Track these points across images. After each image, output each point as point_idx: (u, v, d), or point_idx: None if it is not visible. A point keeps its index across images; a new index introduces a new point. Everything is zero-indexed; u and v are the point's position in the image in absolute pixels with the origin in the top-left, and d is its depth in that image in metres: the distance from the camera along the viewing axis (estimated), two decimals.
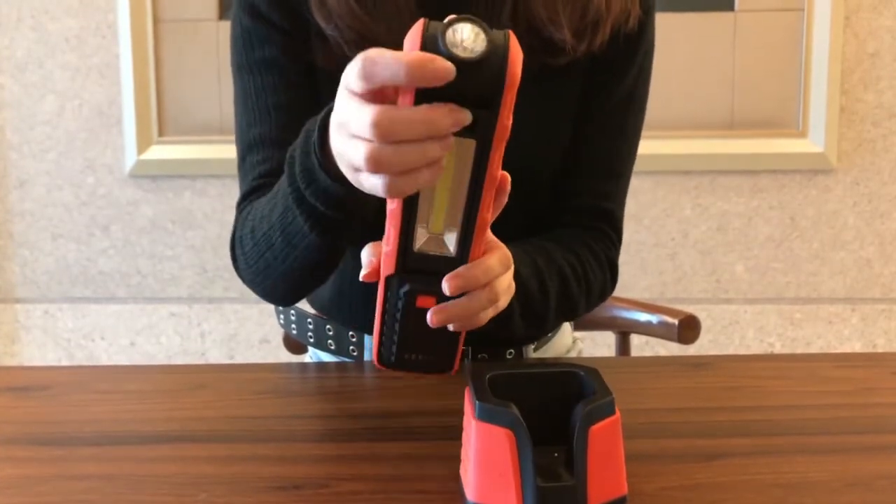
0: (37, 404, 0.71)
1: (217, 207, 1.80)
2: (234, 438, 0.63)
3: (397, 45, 0.77)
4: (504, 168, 0.53)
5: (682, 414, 0.68)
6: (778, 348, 1.80)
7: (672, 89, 1.70)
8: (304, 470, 0.58)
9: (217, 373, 0.81)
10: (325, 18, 0.77)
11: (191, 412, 0.69)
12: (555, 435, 0.52)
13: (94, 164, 1.80)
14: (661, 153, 1.71)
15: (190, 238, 1.81)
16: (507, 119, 0.49)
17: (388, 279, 0.56)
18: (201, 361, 1.83)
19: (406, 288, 0.56)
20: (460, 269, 0.55)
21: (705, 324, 1.70)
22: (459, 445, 0.54)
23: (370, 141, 0.48)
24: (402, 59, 0.47)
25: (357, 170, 0.51)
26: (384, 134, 0.48)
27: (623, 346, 1.21)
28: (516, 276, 0.64)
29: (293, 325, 0.93)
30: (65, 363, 1.85)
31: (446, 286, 0.55)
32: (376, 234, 0.57)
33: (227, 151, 1.73)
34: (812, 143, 1.71)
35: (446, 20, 0.48)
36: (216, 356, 1.85)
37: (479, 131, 0.49)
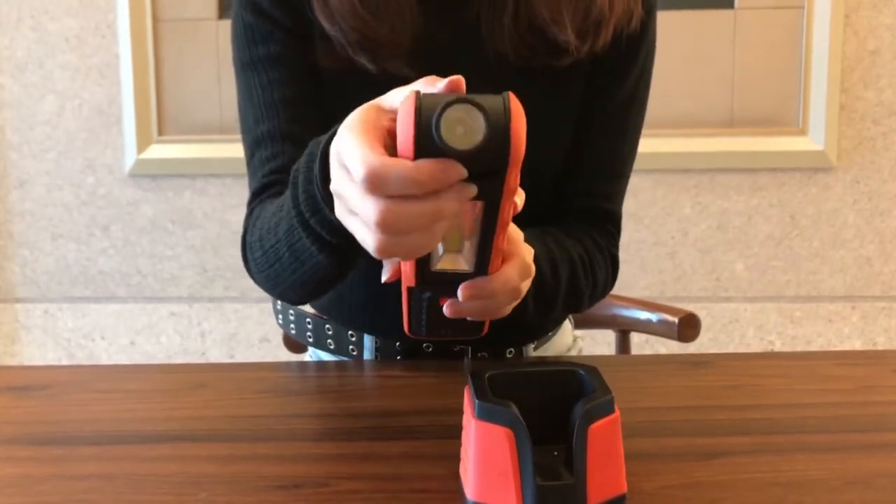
0: (37, 404, 0.71)
1: (217, 207, 1.80)
2: (235, 438, 0.63)
3: (399, 46, 0.77)
4: None
5: (682, 412, 0.68)
6: (778, 346, 1.80)
7: (672, 87, 1.70)
8: (303, 469, 0.58)
9: (217, 372, 0.81)
10: (327, 19, 0.76)
11: (191, 411, 0.69)
12: (554, 434, 0.52)
13: (94, 164, 1.80)
14: (660, 151, 1.71)
15: (190, 238, 1.81)
16: (514, 181, 0.48)
17: (409, 289, 0.57)
18: (201, 361, 1.83)
19: (428, 294, 0.57)
20: (479, 282, 0.55)
21: (705, 322, 1.70)
22: (459, 444, 0.54)
23: (375, 232, 0.47)
24: (413, 175, 0.44)
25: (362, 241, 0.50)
26: (390, 228, 0.46)
27: (623, 345, 1.21)
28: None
29: (292, 325, 0.93)
30: (65, 363, 1.85)
31: (461, 297, 0.56)
32: None
33: (227, 151, 1.76)
34: (812, 141, 1.71)
35: (440, 103, 0.44)
36: (216, 355, 1.85)
37: (486, 196, 0.48)
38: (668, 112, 1.71)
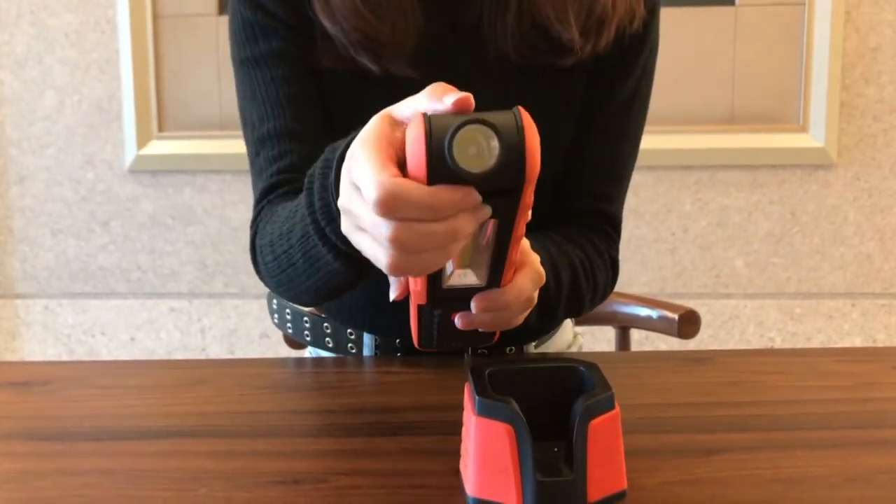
0: (37, 399, 0.71)
1: (217, 203, 1.80)
2: (234, 433, 0.63)
3: (401, 46, 0.77)
4: None
5: (682, 409, 0.68)
6: (778, 343, 1.80)
7: (672, 84, 1.70)
8: (303, 465, 0.58)
9: (217, 368, 0.81)
10: (328, 18, 0.75)
11: (191, 407, 0.69)
12: (555, 430, 0.52)
13: (94, 160, 1.80)
14: (661, 148, 1.71)
15: (190, 234, 1.81)
16: (529, 197, 0.47)
17: (419, 306, 0.56)
18: (201, 357, 1.83)
19: (439, 311, 0.56)
20: (492, 294, 0.55)
21: (705, 319, 1.70)
22: (459, 441, 0.54)
23: (388, 249, 0.46)
24: (429, 202, 0.44)
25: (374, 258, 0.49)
26: (404, 247, 0.46)
27: (623, 341, 1.21)
28: None
29: (288, 325, 0.93)
30: (65, 358, 1.86)
31: (475, 309, 0.55)
32: None
33: (227, 147, 1.75)
34: (812, 138, 1.71)
35: (452, 125, 0.43)
36: (216, 351, 1.85)
37: (501, 214, 0.47)
38: (668, 108, 1.70)
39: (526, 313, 0.60)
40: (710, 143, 1.72)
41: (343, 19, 0.75)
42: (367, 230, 0.48)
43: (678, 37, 1.69)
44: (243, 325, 1.84)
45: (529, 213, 0.50)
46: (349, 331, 0.88)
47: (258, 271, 0.77)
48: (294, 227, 0.65)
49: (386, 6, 0.75)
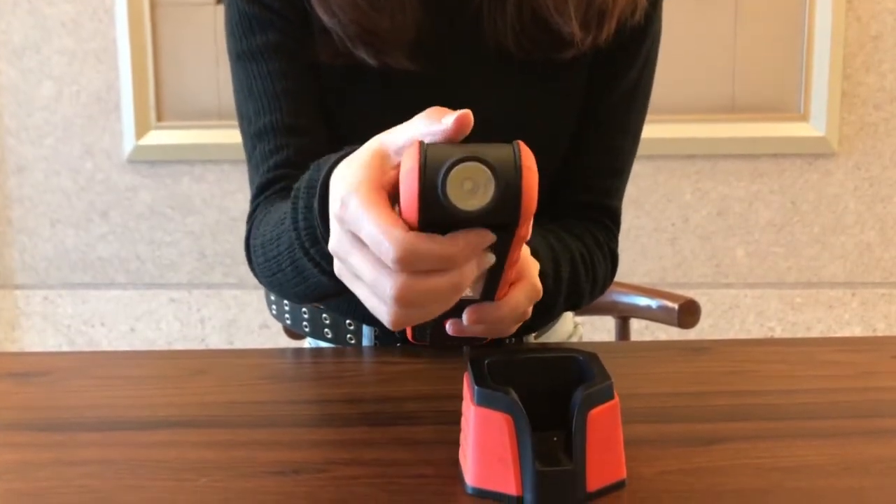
0: (37, 390, 0.71)
1: (216, 193, 1.80)
2: (234, 424, 0.63)
3: (399, 39, 0.76)
4: None
5: (682, 398, 0.68)
6: (778, 333, 1.80)
7: (673, 73, 1.69)
8: (302, 455, 0.58)
9: (217, 358, 0.81)
10: (326, 11, 0.75)
11: (190, 398, 0.69)
12: (554, 420, 0.52)
13: (93, 150, 1.79)
14: (661, 137, 1.71)
15: (189, 224, 1.81)
16: (526, 231, 0.46)
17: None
18: (201, 347, 1.83)
19: (432, 323, 0.56)
20: (486, 307, 0.54)
21: (705, 308, 1.70)
22: (458, 430, 0.54)
23: (391, 306, 0.46)
24: (445, 253, 0.43)
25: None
26: (409, 304, 0.45)
27: (623, 331, 1.21)
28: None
29: (287, 316, 0.93)
30: (65, 349, 1.86)
31: (466, 321, 0.55)
32: None
33: (226, 137, 1.75)
34: (813, 127, 1.71)
35: (446, 161, 0.41)
36: (216, 342, 1.85)
37: (497, 248, 0.46)
38: (668, 98, 1.70)
39: (518, 325, 0.60)
40: (710, 132, 1.72)
41: (340, 12, 0.74)
42: (366, 283, 0.47)
43: (679, 26, 1.68)
44: (243, 315, 1.85)
45: (525, 244, 0.49)
46: (348, 321, 0.88)
47: (252, 269, 0.77)
48: (282, 236, 0.65)
49: None
